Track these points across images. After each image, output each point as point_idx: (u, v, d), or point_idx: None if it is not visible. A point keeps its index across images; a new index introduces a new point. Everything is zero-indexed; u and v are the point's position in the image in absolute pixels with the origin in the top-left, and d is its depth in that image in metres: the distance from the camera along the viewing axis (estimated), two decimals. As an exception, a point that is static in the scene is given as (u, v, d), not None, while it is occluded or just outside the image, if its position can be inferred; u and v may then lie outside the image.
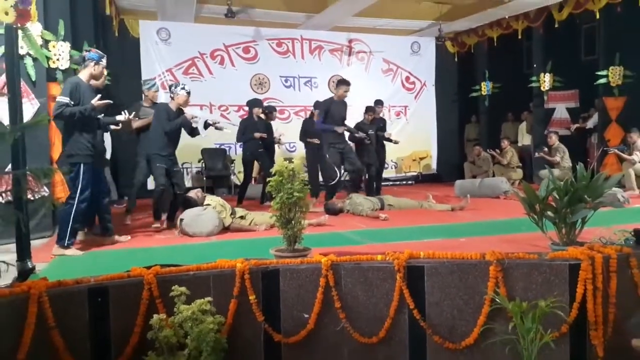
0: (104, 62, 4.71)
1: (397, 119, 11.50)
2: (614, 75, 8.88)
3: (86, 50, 4.75)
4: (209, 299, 3.11)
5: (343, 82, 7.43)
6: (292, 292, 3.48)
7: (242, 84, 10.13)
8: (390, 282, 3.46)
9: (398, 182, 11.27)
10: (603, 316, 3.38)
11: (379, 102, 8.83)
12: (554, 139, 9.06)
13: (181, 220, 5.38)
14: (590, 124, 9.89)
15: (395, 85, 11.51)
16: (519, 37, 10.30)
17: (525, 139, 11.04)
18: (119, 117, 5.05)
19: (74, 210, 4.46)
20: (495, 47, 10.91)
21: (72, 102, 4.41)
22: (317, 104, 7.99)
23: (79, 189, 4.48)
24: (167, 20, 9.42)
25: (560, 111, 10.37)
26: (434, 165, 11.83)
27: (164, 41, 9.65)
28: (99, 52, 4.74)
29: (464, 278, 3.45)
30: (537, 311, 3.16)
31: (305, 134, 7.93)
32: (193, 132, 5.91)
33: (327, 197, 7.21)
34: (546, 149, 9.10)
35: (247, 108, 9.93)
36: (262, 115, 7.92)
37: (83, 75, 4.64)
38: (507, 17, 10.07)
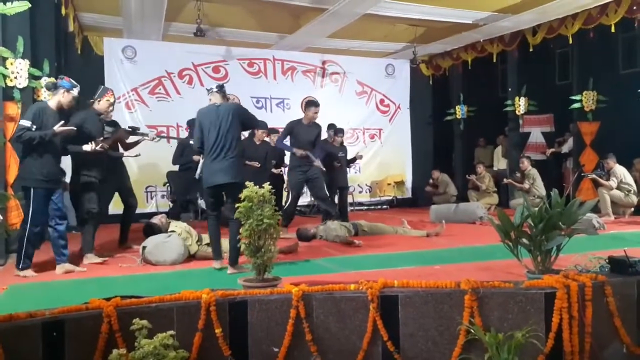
0: (74, 91, 4.83)
1: (371, 141, 11.64)
2: (587, 100, 9.19)
3: (59, 78, 4.87)
4: (172, 332, 3.05)
5: (311, 103, 7.19)
6: (260, 324, 3.45)
7: (211, 105, 10.10)
8: (363, 313, 3.46)
9: (372, 207, 11.36)
10: (579, 346, 3.45)
11: (340, 131, 8.67)
12: (526, 164, 9.29)
13: (144, 247, 5.29)
14: (565, 148, 10.18)
15: (370, 108, 11.67)
16: (494, 60, 10.61)
17: (500, 164, 11.29)
18: (85, 147, 5.06)
19: (26, 234, 4.59)
20: (470, 71, 11.20)
21: (35, 127, 4.47)
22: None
23: (30, 213, 4.59)
24: (133, 38, 9.39)
25: (536, 135, 10.65)
26: (409, 190, 11.96)
27: (130, 59, 9.61)
28: (72, 81, 4.86)
29: (438, 308, 3.48)
30: (513, 342, 3.20)
31: (243, 156, 7.84)
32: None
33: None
34: (518, 175, 9.32)
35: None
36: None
37: (52, 101, 4.75)
38: (481, 40, 10.37)
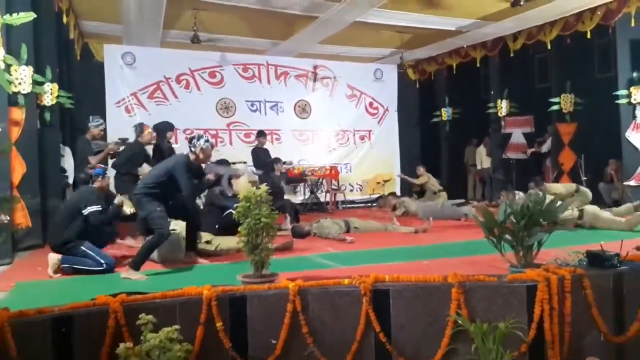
0: (108, 174, 5.21)
1: (361, 142, 11.69)
2: (565, 102, 9.31)
3: (90, 169, 5.18)
4: (176, 326, 3.08)
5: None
6: (259, 318, 3.49)
7: (207, 108, 10.13)
8: (356, 306, 3.51)
9: (363, 205, 11.40)
10: (559, 335, 3.52)
11: (261, 134, 8.92)
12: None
13: (146, 246, 5.29)
14: (544, 148, 10.30)
15: (359, 111, 11.72)
16: (477, 65, 10.69)
17: (484, 163, 11.38)
18: (117, 200, 5.26)
19: None
20: (454, 75, 11.27)
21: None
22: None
23: None
24: (133, 45, 9.38)
25: (517, 136, 10.77)
26: (397, 188, 12.01)
27: (129, 65, 9.59)
28: (102, 165, 5.22)
29: (427, 301, 3.54)
30: (498, 332, 3.26)
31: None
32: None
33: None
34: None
35: (213, 132, 10.05)
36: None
37: (96, 184, 5.10)
38: (465, 46, 10.46)
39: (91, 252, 4.73)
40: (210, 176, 5.30)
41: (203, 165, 5.42)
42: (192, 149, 5.02)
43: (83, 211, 4.78)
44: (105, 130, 6.39)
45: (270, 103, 10.81)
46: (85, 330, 3.15)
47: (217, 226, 6.14)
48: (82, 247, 4.72)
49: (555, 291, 3.51)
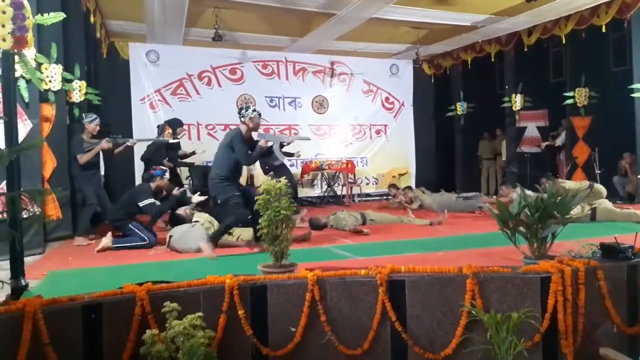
0: (167, 175, 6.00)
1: (377, 137, 11.64)
2: (580, 96, 9.13)
3: (152, 169, 5.97)
4: (200, 314, 3.12)
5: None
6: (279, 306, 3.51)
7: (228, 104, 10.15)
8: (373, 296, 3.51)
9: (378, 197, 11.37)
10: (573, 326, 3.48)
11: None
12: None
13: (170, 236, 5.37)
14: (558, 141, 10.14)
15: (376, 105, 11.66)
16: (492, 60, 10.56)
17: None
18: (175, 192, 6.17)
19: None
20: (469, 70, 11.15)
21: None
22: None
23: None
24: (156, 43, 9.46)
25: (531, 130, 10.63)
26: (412, 181, 11.94)
27: (153, 63, 9.67)
28: (162, 167, 6.07)
29: (442, 291, 3.53)
30: (511, 322, 3.24)
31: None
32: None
33: None
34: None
35: (234, 127, 10.08)
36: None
37: (152, 184, 5.88)
38: (480, 41, 10.32)
39: (136, 230, 5.55)
40: (262, 143, 5.36)
41: (254, 135, 5.52)
42: (242, 120, 5.21)
43: (140, 204, 5.57)
44: (100, 124, 6.37)
45: (289, 99, 10.81)
46: (113, 317, 3.20)
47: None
48: (129, 225, 5.56)
49: (569, 283, 3.47)
